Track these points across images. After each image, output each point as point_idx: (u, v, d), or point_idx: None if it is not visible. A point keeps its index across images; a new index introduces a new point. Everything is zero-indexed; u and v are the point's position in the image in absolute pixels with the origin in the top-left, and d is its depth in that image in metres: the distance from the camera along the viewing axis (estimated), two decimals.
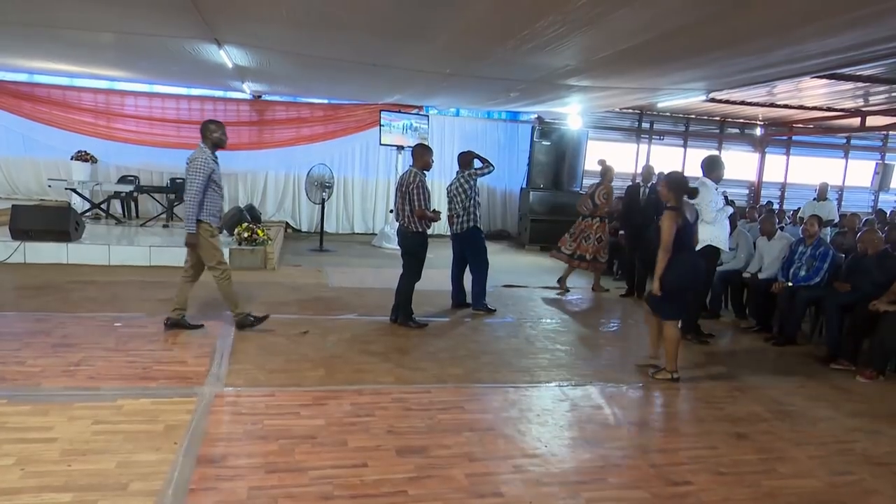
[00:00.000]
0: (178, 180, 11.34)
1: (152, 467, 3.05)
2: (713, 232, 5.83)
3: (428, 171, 6.08)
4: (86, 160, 10.93)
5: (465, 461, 3.35)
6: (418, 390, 4.36)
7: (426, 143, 6.72)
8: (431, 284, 7.40)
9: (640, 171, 9.33)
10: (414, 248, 6.01)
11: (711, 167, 5.90)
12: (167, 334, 5.27)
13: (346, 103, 12.43)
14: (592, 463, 3.45)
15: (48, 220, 8.15)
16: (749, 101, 11.29)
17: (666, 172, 5.16)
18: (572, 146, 12.65)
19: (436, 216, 6.06)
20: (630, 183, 10.94)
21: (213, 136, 5.20)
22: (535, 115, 13.21)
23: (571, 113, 12.03)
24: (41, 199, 11.03)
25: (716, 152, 6.68)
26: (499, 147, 13.38)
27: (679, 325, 4.97)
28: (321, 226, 11.20)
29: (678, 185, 4.82)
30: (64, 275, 7.32)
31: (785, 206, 13.85)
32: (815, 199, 10.40)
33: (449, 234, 7.06)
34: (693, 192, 4.95)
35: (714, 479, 3.33)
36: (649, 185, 8.13)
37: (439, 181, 12.74)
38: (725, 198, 6.00)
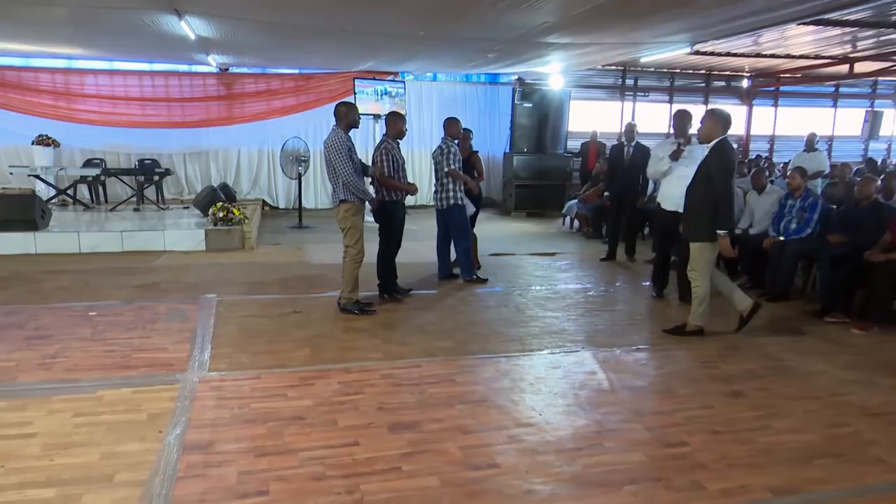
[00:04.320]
0: (146, 161, 11.18)
1: (138, 457, 3.06)
2: (661, 190, 6.23)
3: (401, 138, 6.04)
4: (48, 144, 10.74)
5: (458, 434, 3.39)
6: (407, 365, 4.38)
7: (399, 111, 6.67)
8: (417, 256, 7.42)
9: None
10: (384, 217, 5.98)
11: (673, 123, 6.31)
12: (145, 321, 5.23)
13: (318, 73, 12.24)
14: (588, 429, 3.51)
15: (12, 210, 8.01)
16: (734, 52, 11.27)
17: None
18: (555, 107, 12.59)
19: (411, 188, 6.04)
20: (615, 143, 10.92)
21: (347, 117, 5.42)
22: (516, 77, 13.11)
23: (553, 72, 11.93)
24: (3, 188, 10.80)
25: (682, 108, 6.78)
26: (479, 111, 13.29)
27: None
28: (299, 202, 11.11)
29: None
30: (33, 265, 7.23)
31: (774, 159, 13.94)
32: (804, 150, 10.46)
33: (432, 205, 7.04)
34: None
35: (710, 439, 3.40)
36: (632, 143, 8.07)
37: (419, 150, 12.72)
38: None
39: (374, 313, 5.58)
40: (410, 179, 6.34)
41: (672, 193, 6.01)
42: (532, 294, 6.43)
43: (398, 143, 6.03)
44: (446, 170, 6.36)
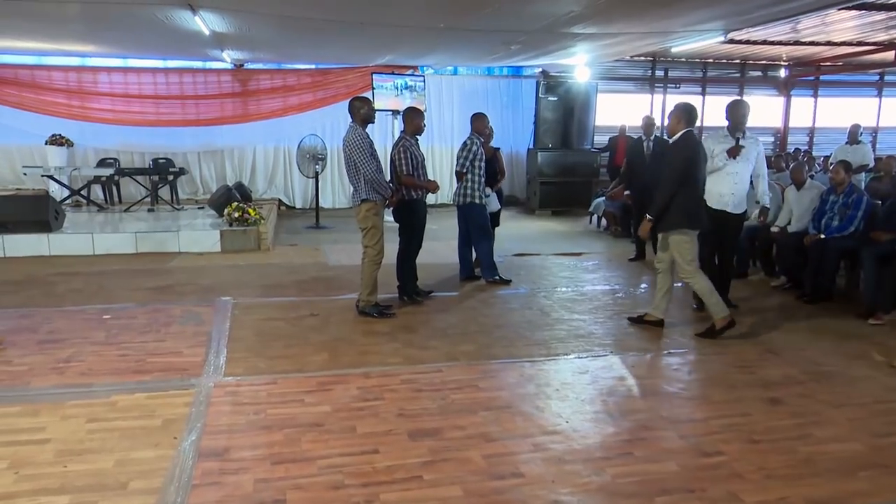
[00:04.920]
0: (161, 160, 11.32)
1: (152, 464, 3.09)
2: (707, 187, 5.42)
3: (420, 135, 6.03)
4: (61, 144, 10.91)
5: (481, 442, 3.38)
6: (428, 370, 4.38)
7: (416, 107, 6.65)
8: (437, 257, 7.42)
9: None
10: (404, 216, 5.98)
11: (728, 115, 5.77)
12: (159, 324, 5.30)
13: (335, 67, 12.30)
14: (617, 437, 3.48)
15: (26, 211, 8.17)
16: (771, 39, 11.10)
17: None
18: (581, 101, 12.51)
19: (431, 185, 6.03)
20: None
21: (361, 112, 5.46)
22: (540, 70, 13.06)
23: (578, 65, 11.86)
24: (17, 189, 11.04)
25: (738, 97, 6.43)
26: (502, 106, 13.25)
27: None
28: (316, 201, 11.18)
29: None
30: (46, 267, 7.36)
31: (814, 153, 13.71)
32: (846, 142, 10.26)
33: (451, 203, 7.03)
34: None
35: (747, 448, 3.35)
36: (652, 137, 7.99)
37: (439, 146, 12.72)
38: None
39: (393, 316, 5.59)
40: (431, 177, 6.34)
41: (720, 190, 5.62)
42: (558, 296, 6.39)
43: (417, 140, 6.03)
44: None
